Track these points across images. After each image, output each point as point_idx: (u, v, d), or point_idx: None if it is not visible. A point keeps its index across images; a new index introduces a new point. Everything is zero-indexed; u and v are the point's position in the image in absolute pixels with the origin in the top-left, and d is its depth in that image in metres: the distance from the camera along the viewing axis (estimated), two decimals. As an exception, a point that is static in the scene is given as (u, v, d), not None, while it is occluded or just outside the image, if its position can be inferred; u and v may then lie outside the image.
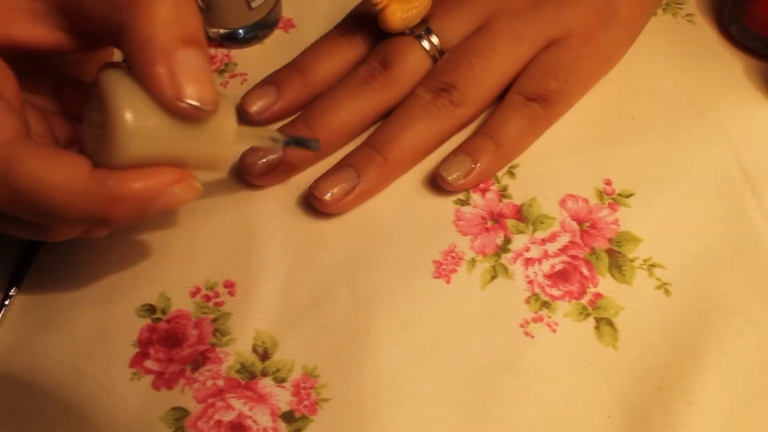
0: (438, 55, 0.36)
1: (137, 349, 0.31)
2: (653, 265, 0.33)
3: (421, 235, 0.34)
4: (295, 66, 0.37)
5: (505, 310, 0.32)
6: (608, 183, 0.35)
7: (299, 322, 0.32)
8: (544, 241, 0.34)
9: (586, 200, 0.35)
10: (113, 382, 0.30)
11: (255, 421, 0.29)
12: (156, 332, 0.31)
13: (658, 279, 0.32)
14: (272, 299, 0.32)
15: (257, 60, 0.39)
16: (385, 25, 0.35)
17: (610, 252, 0.33)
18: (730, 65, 0.39)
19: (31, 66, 0.26)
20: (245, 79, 0.39)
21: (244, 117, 0.36)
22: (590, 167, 0.36)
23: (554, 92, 0.35)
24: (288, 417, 0.30)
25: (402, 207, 0.35)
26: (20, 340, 0.31)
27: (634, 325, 0.31)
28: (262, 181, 0.35)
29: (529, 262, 0.33)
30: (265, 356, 0.31)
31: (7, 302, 0.32)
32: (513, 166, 0.36)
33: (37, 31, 0.25)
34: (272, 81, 0.37)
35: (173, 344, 0.31)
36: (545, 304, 0.32)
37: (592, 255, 0.33)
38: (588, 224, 0.34)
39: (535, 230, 0.34)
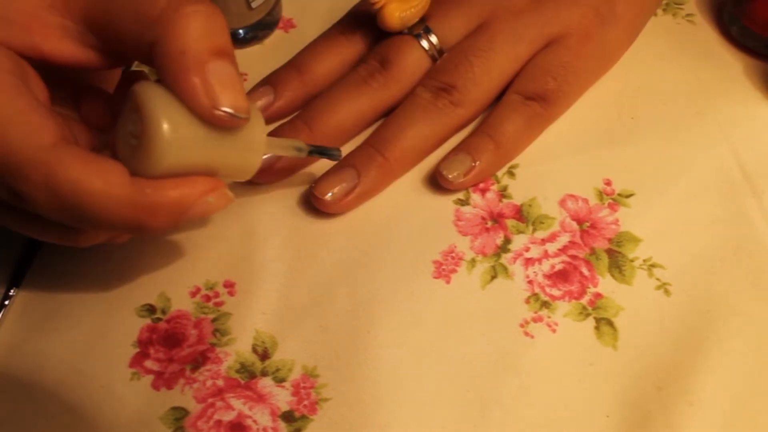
0: (437, 54, 0.36)
1: (137, 349, 0.31)
2: (653, 266, 0.33)
3: (421, 235, 0.34)
4: (294, 65, 0.37)
5: (505, 310, 0.32)
6: (608, 183, 0.35)
7: (299, 322, 0.32)
8: (544, 241, 0.34)
9: (586, 200, 0.35)
10: (113, 382, 0.30)
11: (255, 421, 0.29)
12: (156, 332, 0.31)
13: (658, 279, 0.32)
14: (272, 299, 0.32)
15: (257, 60, 0.40)
16: (383, 24, 0.35)
17: (610, 252, 0.33)
18: (730, 65, 0.39)
19: (54, 74, 0.26)
20: (245, 79, 0.39)
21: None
22: (590, 167, 0.36)
23: (553, 91, 0.36)
24: (288, 417, 0.30)
25: (402, 207, 0.35)
26: (20, 340, 0.31)
27: (634, 325, 0.31)
28: (261, 178, 0.35)
29: (529, 262, 0.33)
30: (265, 356, 0.31)
31: (7, 302, 0.32)
32: (513, 166, 0.36)
33: (67, 47, 0.25)
34: (271, 80, 0.37)
35: (173, 344, 0.31)
36: (545, 304, 0.32)
37: (592, 255, 0.33)
38: (588, 224, 0.34)
39: (535, 230, 0.34)
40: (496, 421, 0.29)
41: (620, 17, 0.37)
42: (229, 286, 0.33)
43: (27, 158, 0.23)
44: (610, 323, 0.31)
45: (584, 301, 0.32)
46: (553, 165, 0.36)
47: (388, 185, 0.35)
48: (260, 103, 0.36)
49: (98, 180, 0.23)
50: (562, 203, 0.35)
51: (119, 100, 0.29)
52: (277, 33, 0.41)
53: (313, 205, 0.34)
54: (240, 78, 0.25)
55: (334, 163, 0.34)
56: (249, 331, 0.31)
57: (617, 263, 0.33)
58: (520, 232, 0.34)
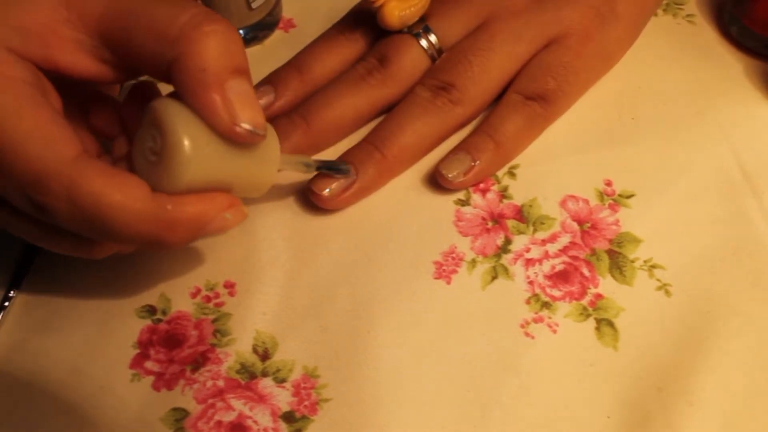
0: (436, 53, 0.36)
1: (137, 350, 0.31)
2: (654, 266, 0.33)
3: (422, 235, 0.34)
4: (294, 64, 0.37)
5: (505, 310, 0.32)
6: (609, 184, 0.35)
7: (299, 323, 0.32)
8: (544, 242, 0.34)
9: (586, 201, 0.35)
10: (113, 383, 0.30)
11: (255, 422, 0.29)
12: (156, 333, 0.31)
13: (658, 280, 0.32)
14: (272, 300, 0.32)
15: (257, 60, 0.39)
16: (383, 23, 0.36)
17: (610, 253, 0.33)
18: (731, 65, 0.39)
19: (65, 83, 0.26)
20: (245, 80, 0.39)
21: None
22: (591, 168, 0.36)
23: (553, 91, 0.36)
24: (288, 417, 0.30)
25: (402, 207, 0.35)
26: (20, 340, 0.31)
27: (635, 325, 0.31)
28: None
29: (529, 262, 0.33)
30: (265, 356, 0.31)
31: (6, 303, 0.32)
32: (513, 167, 0.36)
33: (81, 61, 0.25)
34: (271, 80, 0.37)
35: (173, 345, 0.31)
36: (546, 305, 0.32)
37: (592, 256, 0.33)
38: (588, 225, 0.34)
39: (535, 231, 0.34)
40: (496, 421, 0.29)
41: (621, 17, 0.37)
42: (230, 286, 0.33)
43: (50, 170, 0.23)
44: (610, 324, 0.31)
45: (585, 301, 0.32)
46: (553, 165, 0.36)
47: (386, 183, 0.35)
48: (261, 102, 0.36)
49: (120, 194, 0.24)
50: (562, 204, 0.35)
51: (128, 109, 0.29)
52: (278, 33, 0.41)
53: (312, 204, 0.34)
54: (256, 96, 0.25)
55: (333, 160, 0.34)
56: (249, 331, 0.31)
57: (618, 264, 0.33)
58: (520, 232, 0.34)
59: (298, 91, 0.37)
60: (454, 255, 0.33)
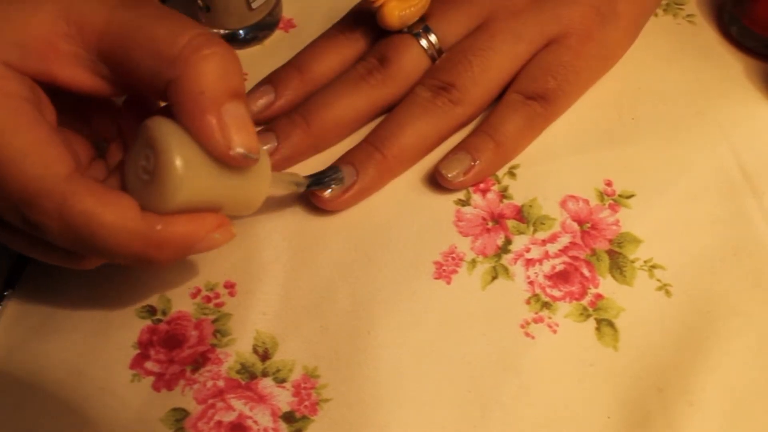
0: (436, 53, 0.36)
1: (137, 351, 0.31)
2: (654, 266, 0.33)
3: (422, 235, 0.34)
4: (294, 64, 0.37)
5: (505, 310, 0.32)
6: (609, 184, 0.35)
7: (300, 323, 0.32)
8: (544, 242, 0.34)
9: (586, 201, 0.35)
10: (114, 384, 0.30)
11: (255, 422, 0.29)
12: (156, 333, 0.31)
13: (658, 280, 0.32)
14: (273, 300, 0.32)
15: (258, 60, 0.39)
16: (382, 23, 0.36)
17: (610, 253, 0.33)
18: (731, 66, 0.39)
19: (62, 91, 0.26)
20: (245, 80, 0.39)
21: None
22: (591, 168, 0.36)
23: (553, 91, 0.36)
24: (288, 417, 0.30)
25: (402, 207, 0.35)
26: (21, 341, 0.31)
27: (635, 326, 0.31)
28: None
29: (529, 262, 0.33)
30: (265, 357, 0.31)
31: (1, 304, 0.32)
32: (513, 167, 0.36)
33: (78, 75, 0.25)
34: (271, 80, 0.37)
35: (174, 345, 0.31)
36: (546, 305, 0.32)
37: (592, 256, 0.33)
38: (588, 225, 0.34)
39: (535, 231, 0.34)
40: (496, 421, 0.29)
41: (621, 16, 0.37)
42: (230, 286, 0.33)
43: (42, 188, 0.23)
44: (610, 324, 0.31)
45: (585, 302, 0.32)
46: (553, 165, 0.36)
47: (386, 183, 0.35)
48: (261, 102, 0.36)
49: (111, 213, 0.24)
50: (562, 204, 0.35)
51: (126, 113, 0.29)
52: (278, 33, 0.41)
53: (313, 205, 0.34)
54: (251, 119, 0.25)
55: (333, 161, 0.34)
56: (249, 331, 0.31)
57: (618, 264, 0.33)
58: (520, 232, 0.34)
59: (298, 90, 0.37)
60: (454, 255, 0.33)
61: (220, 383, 0.30)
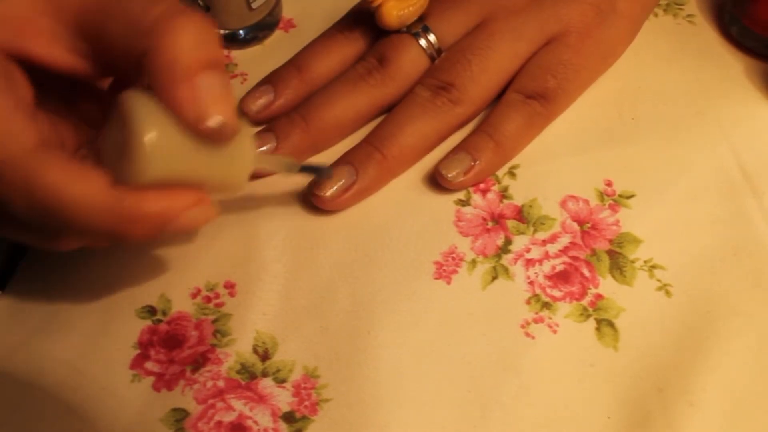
0: (435, 53, 0.36)
1: (138, 351, 0.31)
2: (654, 266, 0.33)
3: (422, 235, 0.34)
4: (294, 64, 0.37)
5: (505, 310, 0.32)
6: (609, 184, 0.35)
7: (300, 323, 0.32)
8: (544, 242, 0.34)
9: (586, 201, 0.35)
10: (114, 384, 0.30)
11: (255, 422, 0.29)
12: (156, 333, 0.31)
13: (658, 280, 0.32)
14: (273, 300, 0.32)
15: (257, 60, 0.39)
16: (381, 23, 0.36)
17: (610, 253, 0.33)
18: (731, 66, 0.39)
19: (46, 72, 0.26)
20: (245, 79, 0.39)
21: (244, 117, 0.36)
22: (591, 168, 0.36)
23: (553, 90, 0.35)
24: (288, 417, 0.30)
25: (402, 208, 0.35)
26: (21, 341, 0.31)
27: (635, 326, 0.31)
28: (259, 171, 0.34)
29: (529, 263, 0.33)
30: (265, 357, 0.31)
31: None
32: (514, 167, 0.36)
33: (54, 52, 0.25)
34: (271, 79, 0.37)
35: (174, 345, 0.31)
36: (546, 305, 0.32)
37: (592, 256, 0.33)
38: (589, 225, 0.34)
39: (535, 231, 0.34)
40: (496, 421, 0.29)
41: (621, 14, 0.37)
42: (230, 287, 0.33)
43: (6, 160, 0.23)
44: (611, 324, 0.31)
45: (585, 302, 0.32)
46: (553, 166, 0.36)
47: (386, 183, 0.35)
48: (261, 101, 0.36)
49: (77, 186, 0.23)
50: (562, 204, 0.35)
51: (111, 100, 0.29)
52: (278, 33, 0.41)
53: (313, 205, 0.34)
54: (230, 91, 0.24)
55: (333, 161, 0.34)
56: (249, 331, 0.31)
57: (618, 264, 0.33)
58: (520, 233, 0.34)
59: (297, 90, 0.37)
60: (454, 255, 0.33)
61: (220, 383, 0.30)
